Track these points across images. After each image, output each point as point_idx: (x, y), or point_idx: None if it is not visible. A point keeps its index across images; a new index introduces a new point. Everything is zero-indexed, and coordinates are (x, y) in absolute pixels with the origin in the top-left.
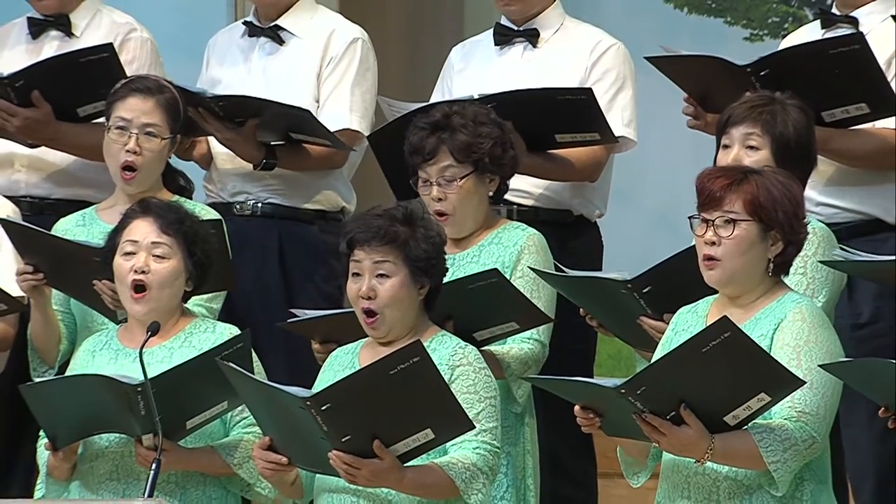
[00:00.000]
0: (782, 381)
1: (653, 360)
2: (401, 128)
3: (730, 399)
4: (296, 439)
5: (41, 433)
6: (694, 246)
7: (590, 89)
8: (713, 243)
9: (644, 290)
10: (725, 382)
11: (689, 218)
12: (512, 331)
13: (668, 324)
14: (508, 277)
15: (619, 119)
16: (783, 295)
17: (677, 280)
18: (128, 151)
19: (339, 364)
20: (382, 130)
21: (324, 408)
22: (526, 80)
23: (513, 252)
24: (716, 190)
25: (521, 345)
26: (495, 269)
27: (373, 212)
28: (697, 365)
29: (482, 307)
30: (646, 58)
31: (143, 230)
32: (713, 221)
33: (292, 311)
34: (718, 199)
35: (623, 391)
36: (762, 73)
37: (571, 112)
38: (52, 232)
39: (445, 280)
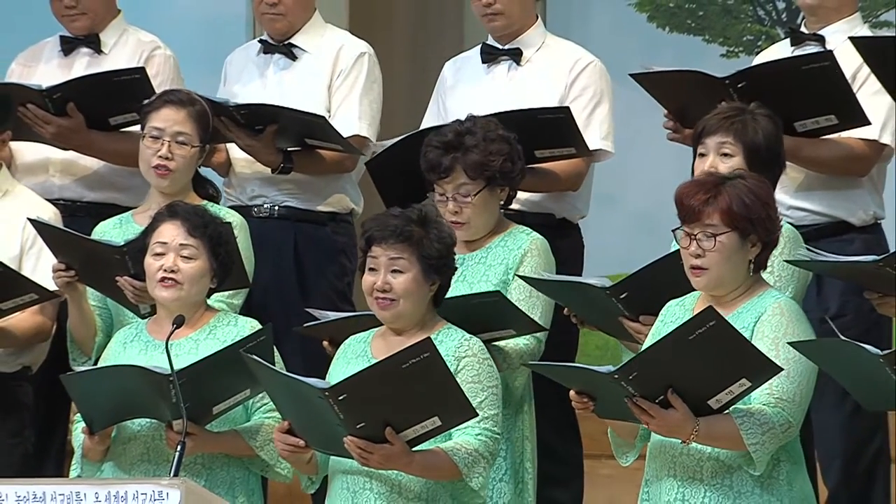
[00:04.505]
0: (762, 368)
1: (642, 349)
2: (394, 154)
3: (713, 384)
4: (312, 425)
5: (76, 417)
6: (664, 257)
7: (567, 108)
8: (698, 255)
9: (621, 296)
10: (709, 368)
11: (673, 230)
12: (509, 335)
13: (644, 325)
14: (511, 278)
15: (597, 132)
16: (764, 291)
17: (650, 287)
18: (160, 157)
19: (352, 352)
20: (380, 156)
21: (340, 398)
22: (512, 97)
23: (517, 255)
24: (694, 205)
25: (519, 340)
26: (498, 292)
27: (390, 212)
28: (684, 352)
29: (483, 318)
30: (630, 75)
31: (172, 232)
32: (695, 235)
33: (308, 310)
34: (698, 214)
35: (616, 377)
36: (739, 86)
37: (550, 129)
38: (92, 235)
39: (453, 283)
